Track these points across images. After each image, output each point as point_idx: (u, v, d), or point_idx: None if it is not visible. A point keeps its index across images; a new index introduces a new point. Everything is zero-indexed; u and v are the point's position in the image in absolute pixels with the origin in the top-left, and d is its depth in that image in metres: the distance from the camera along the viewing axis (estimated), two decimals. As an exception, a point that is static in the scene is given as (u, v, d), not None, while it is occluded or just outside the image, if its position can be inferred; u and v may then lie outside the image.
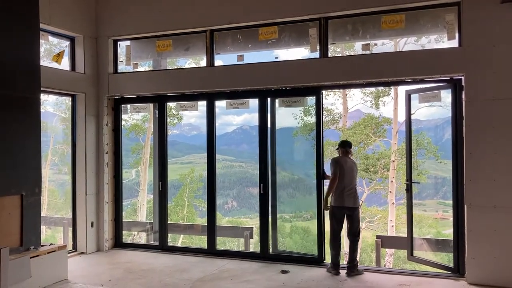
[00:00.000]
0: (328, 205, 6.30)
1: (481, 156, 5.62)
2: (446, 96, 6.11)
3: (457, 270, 5.91)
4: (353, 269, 6.12)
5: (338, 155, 6.46)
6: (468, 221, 5.68)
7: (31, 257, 5.56)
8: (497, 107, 5.54)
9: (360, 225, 6.34)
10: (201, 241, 14.37)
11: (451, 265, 6.05)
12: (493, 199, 5.56)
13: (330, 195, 6.26)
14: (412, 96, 6.52)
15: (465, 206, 5.71)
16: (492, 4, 5.54)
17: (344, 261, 7.26)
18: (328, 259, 6.52)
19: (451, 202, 6.11)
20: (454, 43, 5.88)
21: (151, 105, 8.08)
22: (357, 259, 6.26)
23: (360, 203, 18.14)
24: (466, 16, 5.69)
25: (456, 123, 5.90)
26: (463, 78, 5.76)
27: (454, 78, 5.91)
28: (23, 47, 5.87)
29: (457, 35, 5.85)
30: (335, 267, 6.17)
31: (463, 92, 5.76)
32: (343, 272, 6.14)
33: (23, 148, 5.79)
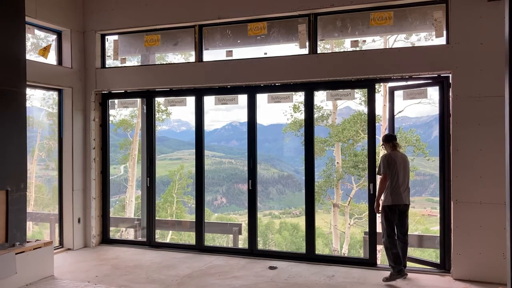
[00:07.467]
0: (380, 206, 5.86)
1: (468, 153, 5.67)
2: (435, 93, 6.13)
3: (443, 266, 5.98)
4: (405, 270, 5.78)
5: (387, 152, 5.96)
6: (454, 217, 5.74)
7: (16, 253, 5.51)
8: (484, 104, 5.58)
9: None
10: (190, 238, 14.34)
11: (438, 261, 6.11)
12: (479, 195, 5.61)
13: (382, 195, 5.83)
14: (398, 93, 6.51)
15: (452, 202, 5.76)
16: (479, 2, 5.57)
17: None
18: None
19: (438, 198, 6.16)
20: (442, 41, 5.92)
21: (139, 100, 8.03)
22: None
23: (349, 199, 18.26)
24: (453, 14, 5.72)
25: (444, 120, 5.95)
26: (450, 75, 5.80)
27: (441, 75, 5.94)
28: (8, 40, 5.79)
29: (445, 32, 5.89)
30: (399, 267, 5.65)
31: (450, 90, 5.80)
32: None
33: (8, 143, 5.71)
